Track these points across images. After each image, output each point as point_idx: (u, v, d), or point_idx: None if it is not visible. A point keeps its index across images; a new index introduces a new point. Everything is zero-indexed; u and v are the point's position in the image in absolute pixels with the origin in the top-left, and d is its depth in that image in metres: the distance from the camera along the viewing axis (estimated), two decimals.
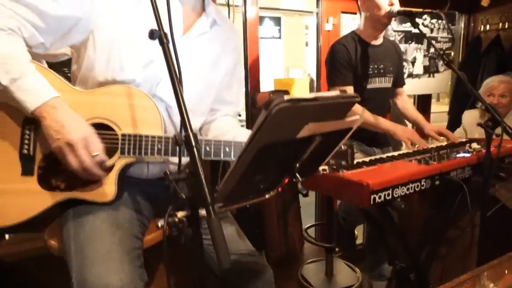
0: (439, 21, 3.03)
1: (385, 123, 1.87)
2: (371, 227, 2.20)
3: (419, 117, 2.08)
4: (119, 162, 0.98)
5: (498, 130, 1.41)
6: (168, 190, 1.20)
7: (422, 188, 1.33)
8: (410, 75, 2.96)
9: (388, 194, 1.24)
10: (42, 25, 0.93)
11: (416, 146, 1.75)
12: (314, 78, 3.14)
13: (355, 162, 1.50)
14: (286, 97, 0.61)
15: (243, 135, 1.18)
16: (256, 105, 2.53)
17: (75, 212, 0.97)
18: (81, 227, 0.93)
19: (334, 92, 0.68)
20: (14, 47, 0.89)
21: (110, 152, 0.97)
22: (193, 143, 0.69)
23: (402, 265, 1.61)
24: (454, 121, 3.46)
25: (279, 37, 14.30)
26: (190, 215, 0.71)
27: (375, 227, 1.73)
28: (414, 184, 1.31)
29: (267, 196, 0.86)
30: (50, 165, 0.96)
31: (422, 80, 3.03)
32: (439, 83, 3.11)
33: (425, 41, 2.96)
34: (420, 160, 1.44)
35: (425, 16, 2.96)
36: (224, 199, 0.78)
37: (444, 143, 1.85)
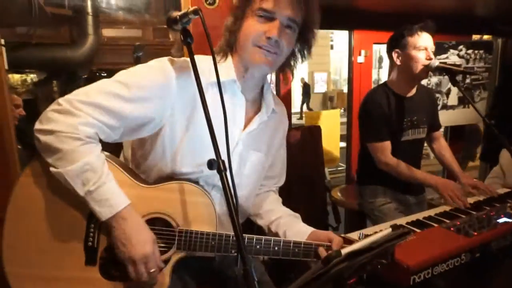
0: (475, 51, 2.95)
1: (425, 176, 1.85)
2: None
3: (455, 166, 2.04)
4: (174, 256, 1.04)
5: None
6: (211, 260, 1.26)
7: (462, 262, 1.32)
8: (445, 107, 2.92)
9: (428, 273, 1.24)
10: (117, 125, 0.98)
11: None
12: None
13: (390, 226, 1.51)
14: (343, 253, 0.64)
15: (286, 216, 1.23)
16: (287, 142, 2.55)
17: None
18: None
19: (387, 231, 0.71)
20: (91, 157, 0.93)
21: (167, 245, 1.05)
22: (251, 277, 0.73)
23: None
24: (488, 153, 3.39)
25: None
26: None
27: None
28: (454, 260, 1.30)
29: None
30: (112, 256, 1.03)
31: (456, 112, 2.98)
32: (474, 114, 3.03)
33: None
34: (459, 229, 1.43)
35: (460, 47, 2.90)
36: None
37: (482, 198, 1.82)
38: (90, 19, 3.60)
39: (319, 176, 2.78)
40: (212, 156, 1.03)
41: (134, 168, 1.15)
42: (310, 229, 1.19)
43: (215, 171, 1.06)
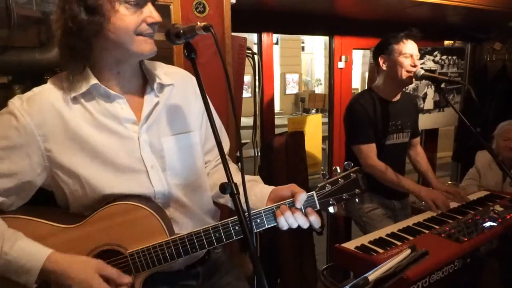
0: (449, 57, 3.06)
1: (408, 183, 1.89)
2: None
3: (429, 173, 2.11)
4: (137, 281, 0.97)
5: None
6: (197, 277, 1.19)
7: (455, 268, 1.36)
8: (421, 111, 2.99)
9: (425, 282, 1.27)
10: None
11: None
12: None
13: (382, 236, 1.53)
14: (371, 279, 0.63)
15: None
16: (273, 148, 2.54)
17: None
18: None
19: (406, 252, 0.70)
20: None
21: (125, 273, 0.96)
22: None
23: None
24: (460, 153, 3.54)
25: (276, 43, 14.31)
26: None
27: None
28: (448, 267, 1.34)
29: None
30: None
31: (432, 115, 3.07)
32: (449, 117, 3.15)
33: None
34: (450, 235, 1.47)
35: (435, 53, 2.99)
36: None
37: (464, 203, 1.88)
38: None
39: (303, 181, 2.79)
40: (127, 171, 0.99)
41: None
42: (269, 189, 1.06)
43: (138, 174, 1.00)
